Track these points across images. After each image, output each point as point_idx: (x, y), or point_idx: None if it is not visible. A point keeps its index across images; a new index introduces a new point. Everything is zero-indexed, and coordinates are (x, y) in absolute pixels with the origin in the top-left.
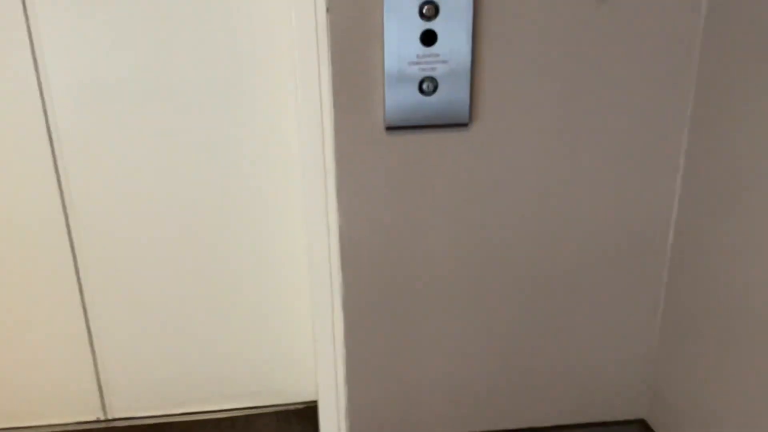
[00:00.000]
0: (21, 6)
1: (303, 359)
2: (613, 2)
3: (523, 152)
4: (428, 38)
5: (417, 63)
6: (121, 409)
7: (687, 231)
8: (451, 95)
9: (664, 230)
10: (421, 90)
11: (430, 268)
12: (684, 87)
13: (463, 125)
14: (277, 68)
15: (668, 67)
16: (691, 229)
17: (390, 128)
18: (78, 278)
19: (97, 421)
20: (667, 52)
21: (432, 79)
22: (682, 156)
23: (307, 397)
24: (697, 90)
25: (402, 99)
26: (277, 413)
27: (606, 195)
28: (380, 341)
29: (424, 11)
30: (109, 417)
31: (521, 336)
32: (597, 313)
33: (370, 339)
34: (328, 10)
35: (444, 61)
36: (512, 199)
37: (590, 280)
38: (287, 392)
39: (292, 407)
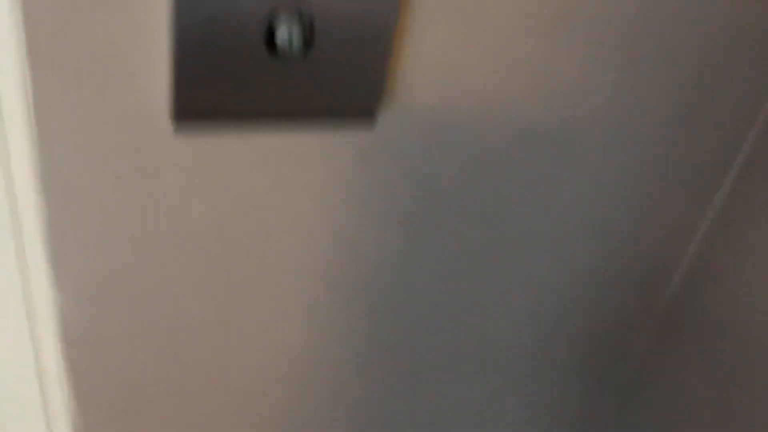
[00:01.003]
0: None
1: None
2: None
3: (470, 172)
4: None
5: None
6: None
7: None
8: (346, 59)
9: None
10: (269, 44)
11: (248, 384)
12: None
13: (364, 119)
14: None
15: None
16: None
17: (185, 123)
18: None
19: None
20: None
21: (300, 20)
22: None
23: None
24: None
25: (220, 62)
26: None
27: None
28: None
29: None
30: None
31: None
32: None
33: None
34: None
35: None
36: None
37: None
38: None
39: None
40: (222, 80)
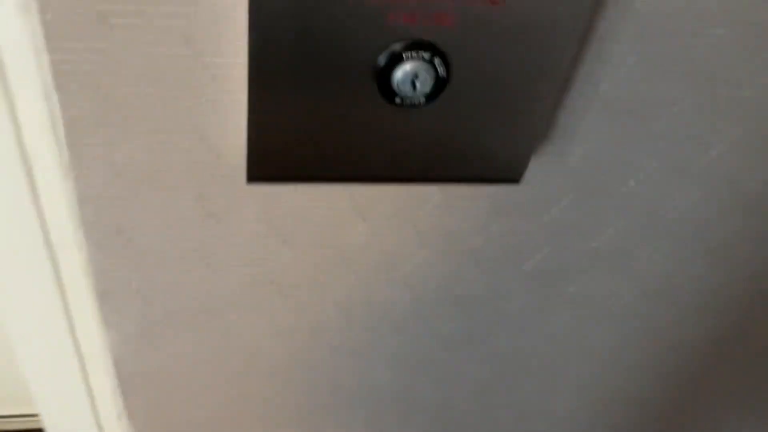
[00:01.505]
0: None
1: None
2: None
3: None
4: None
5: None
6: None
7: None
8: (488, 104)
9: None
10: (381, 81)
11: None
12: None
13: (508, 181)
14: None
15: None
16: None
17: (259, 178)
18: None
19: None
20: None
21: (425, 53)
22: None
23: None
24: None
25: (308, 101)
26: None
27: None
28: None
29: None
30: None
31: None
32: None
33: None
34: None
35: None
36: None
37: None
38: None
39: None
40: (317, 137)
